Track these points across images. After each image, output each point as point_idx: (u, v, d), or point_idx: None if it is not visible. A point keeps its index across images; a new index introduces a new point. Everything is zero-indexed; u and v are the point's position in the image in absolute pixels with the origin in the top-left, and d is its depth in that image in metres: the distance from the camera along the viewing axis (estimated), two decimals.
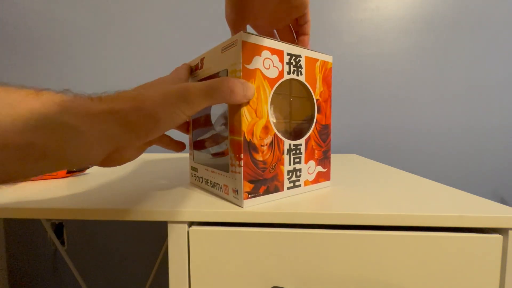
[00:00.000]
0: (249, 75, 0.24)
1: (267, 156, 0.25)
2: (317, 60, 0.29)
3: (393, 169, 0.44)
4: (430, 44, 0.69)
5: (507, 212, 0.23)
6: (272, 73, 0.25)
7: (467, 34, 0.68)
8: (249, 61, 0.24)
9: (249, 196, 0.25)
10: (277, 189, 0.27)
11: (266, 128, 0.25)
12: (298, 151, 0.28)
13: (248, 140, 0.24)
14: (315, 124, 0.30)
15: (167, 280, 0.24)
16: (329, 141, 0.31)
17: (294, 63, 0.27)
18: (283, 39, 0.30)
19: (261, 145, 0.25)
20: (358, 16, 0.69)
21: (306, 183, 0.29)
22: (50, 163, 0.18)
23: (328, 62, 0.30)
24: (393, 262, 0.23)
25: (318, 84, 0.30)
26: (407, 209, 0.24)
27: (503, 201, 0.73)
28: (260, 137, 0.25)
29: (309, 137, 0.29)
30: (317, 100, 0.30)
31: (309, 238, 0.23)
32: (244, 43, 0.23)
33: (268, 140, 0.25)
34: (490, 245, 0.22)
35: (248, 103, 0.23)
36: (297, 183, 0.29)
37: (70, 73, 0.72)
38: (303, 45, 0.30)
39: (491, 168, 0.72)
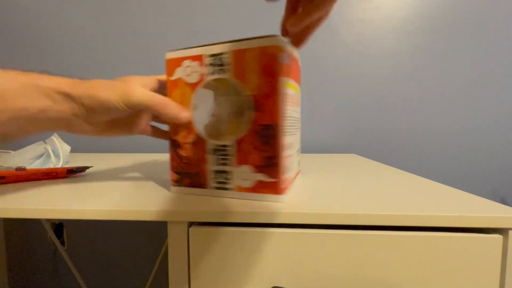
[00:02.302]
0: (172, 85, 0.29)
1: (190, 153, 0.28)
2: (248, 49, 0.25)
3: (393, 169, 0.44)
4: (430, 44, 0.69)
5: (507, 212, 0.23)
6: (193, 78, 0.28)
7: (467, 34, 0.68)
8: (172, 74, 0.28)
9: (175, 184, 0.30)
10: (201, 185, 0.28)
11: (188, 128, 0.28)
12: (224, 152, 0.27)
13: (173, 138, 0.29)
14: (252, 124, 0.26)
15: (167, 280, 0.24)
16: (277, 145, 0.25)
17: (218, 62, 0.26)
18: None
19: (184, 143, 0.29)
20: (358, 16, 0.69)
21: (240, 189, 0.27)
22: (30, 123, 0.25)
23: (270, 46, 0.24)
24: (393, 262, 0.23)
25: (253, 77, 0.25)
26: (407, 209, 0.24)
27: (503, 201, 0.73)
28: (183, 136, 0.29)
29: (243, 138, 0.26)
30: (253, 96, 0.25)
31: (309, 238, 0.23)
32: (167, 60, 0.29)
33: (190, 139, 0.28)
34: (490, 245, 0.22)
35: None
36: (226, 186, 0.27)
37: (70, 72, 0.72)
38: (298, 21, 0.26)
39: (491, 168, 0.72)
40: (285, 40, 0.25)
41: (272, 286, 0.23)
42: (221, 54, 0.26)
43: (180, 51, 0.28)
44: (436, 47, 0.69)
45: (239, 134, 0.26)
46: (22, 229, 0.75)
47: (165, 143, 0.31)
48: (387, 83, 0.70)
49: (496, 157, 0.71)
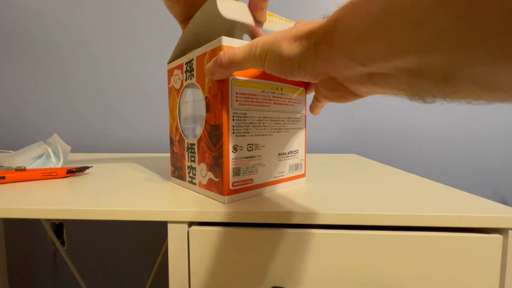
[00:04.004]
0: (169, 92, 0.34)
1: (178, 149, 0.33)
2: (205, 53, 0.26)
3: (393, 169, 0.44)
4: None
5: (507, 212, 0.23)
6: (177, 85, 0.31)
7: None
8: (169, 82, 0.33)
9: (171, 175, 0.35)
10: (182, 178, 0.32)
11: (176, 128, 0.32)
12: (193, 150, 0.29)
13: (170, 136, 0.34)
14: (205, 125, 0.27)
15: (167, 280, 0.24)
16: (222, 145, 0.25)
17: (189, 69, 0.29)
18: None
19: (175, 140, 0.33)
20: None
21: (200, 184, 0.29)
22: None
23: (216, 48, 0.24)
24: (393, 262, 0.23)
25: (207, 80, 0.26)
26: (407, 209, 0.24)
27: (503, 201, 0.73)
28: (174, 134, 0.33)
29: (200, 138, 0.28)
30: (205, 97, 0.27)
31: (309, 238, 0.23)
32: (167, 71, 0.34)
33: (177, 137, 0.32)
34: (490, 245, 0.22)
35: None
36: (193, 180, 0.30)
37: (70, 72, 0.72)
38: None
39: (491, 168, 0.72)
40: (236, 40, 0.24)
41: (272, 286, 0.24)
42: (191, 60, 0.28)
43: (173, 62, 0.32)
44: None
45: (199, 134, 0.28)
46: (22, 229, 0.75)
47: (164, 144, 0.32)
48: None
49: (496, 157, 0.71)
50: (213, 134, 0.26)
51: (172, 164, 0.34)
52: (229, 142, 0.25)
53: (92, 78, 0.72)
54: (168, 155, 0.65)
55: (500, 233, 0.22)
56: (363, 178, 0.37)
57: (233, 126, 0.25)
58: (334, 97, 0.20)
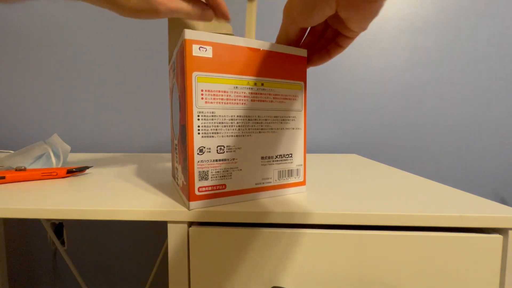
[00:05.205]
0: (169, 92, 0.33)
1: (172, 151, 0.33)
2: (178, 50, 0.24)
3: (393, 169, 0.44)
4: (430, 44, 0.69)
5: (507, 212, 0.23)
6: (171, 84, 0.31)
7: (466, 31, 0.68)
8: (169, 82, 0.32)
9: (172, 175, 0.35)
10: (175, 178, 0.32)
11: (172, 129, 0.32)
12: (176, 151, 0.29)
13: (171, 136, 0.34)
14: (180, 125, 0.25)
15: (167, 280, 0.24)
16: (186, 147, 0.23)
17: (174, 68, 0.28)
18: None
19: (172, 140, 0.33)
20: None
21: (179, 186, 0.27)
22: None
23: (183, 41, 0.22)
24: (393, 262, 0.23)
25: (181, 77, 0.24)
26: (407, 209, 0.24)
27: (503, 201, 0.73)
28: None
29: (178, 138, 0.26)
30: (179, 96, 0.24)
31: (309, 238, 0.23)
32: (169, 71, 0.32)
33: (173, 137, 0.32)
34: (490, 245, 0.22)
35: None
36: (178, 181, 0.29)
37: (70, 71, 0.72)
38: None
39: (491, 168, 0.72)
40: (199, 32, 0.22)
41: (272, 286, 0.23)
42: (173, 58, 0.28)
43: (171, 62, 0.31)
44: (436, 46, 0.69)
45: (178, 135, 0.27)
46: (22, 229, 0.75)
47: (164, 143, 0.32)
48: (386, 82, 0.70)
49: (497, 157, 0.71)
50: (184, 135, 0.24)
51: (172, 164, 0.35)
52: (194, 144, 0.23)
53: (92, 78, 0.72)
54: (167, 155, 0.65)
55: (500, 233, 0.22)
56: (363, 178, 0.37)
57: (199, 126, 0.23)
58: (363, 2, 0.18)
